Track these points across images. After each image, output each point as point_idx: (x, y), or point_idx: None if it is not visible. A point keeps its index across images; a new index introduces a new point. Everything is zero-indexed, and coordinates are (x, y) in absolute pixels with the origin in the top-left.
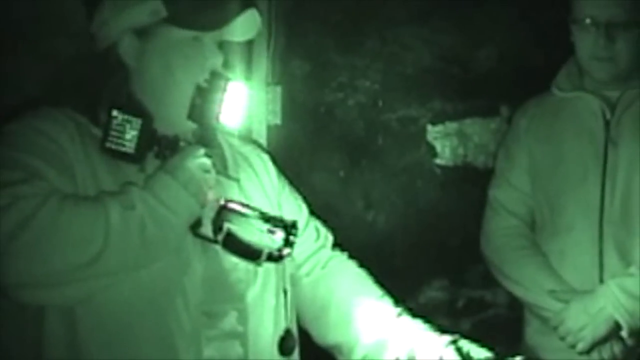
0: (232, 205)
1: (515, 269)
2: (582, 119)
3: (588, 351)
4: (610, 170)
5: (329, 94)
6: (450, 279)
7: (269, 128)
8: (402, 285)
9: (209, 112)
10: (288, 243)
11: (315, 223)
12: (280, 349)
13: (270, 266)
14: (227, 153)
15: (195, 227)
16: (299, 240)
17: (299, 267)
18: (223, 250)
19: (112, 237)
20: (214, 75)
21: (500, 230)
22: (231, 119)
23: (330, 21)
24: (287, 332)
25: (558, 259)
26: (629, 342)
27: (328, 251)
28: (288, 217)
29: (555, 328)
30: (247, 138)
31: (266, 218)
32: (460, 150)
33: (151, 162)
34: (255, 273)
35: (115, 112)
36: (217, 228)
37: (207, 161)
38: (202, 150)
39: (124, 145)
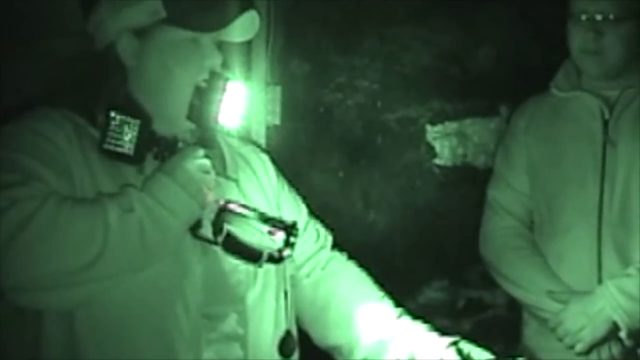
0: (231, 207)
1: (513, 269)
2: (581, 119)
3: (587, 352)
4: (608, 170)
5: (328, 94)
6: (449, 279)
7: (268, 128)
8: (401, 285)
9: (208, 112)
10: (288, 244)
11: (315, 223)
12: (280, 351)
13: (270, 268)
14: (226, 153)
15: (194, 228)
16: (299, 241)
17: (298, 268)
18: (223, 252)
19: (111, 240)
20: (213, 75)
21: (499, 230)
22: (230, 119)
23: (329, 21)
24: (287, 333)
25: (556, 259)
26: (628, 343)
27: (328, 252)
28: (287, 217)
29: (553, 329)
30: (246, 138)
31: (266, 219)
32: (460, 150)
33: (150, 164)
34: (256, 275)
35: (113, 113)
36: (217, 229)
37: (206, 162)
38: (201, 151)
39: (122, 147)
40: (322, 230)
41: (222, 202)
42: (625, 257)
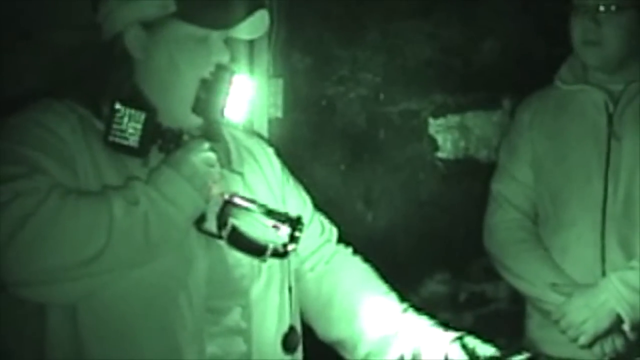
0: (236, 200)
1: (517, 262)
2: (585, 113)
3: (590, 345)
4: (613, 164)
5: (330, 87)
6: (451, 272)
7: (270, 121)
8: (403, 279)
9: (213, 105)
10: (293, 239)
11: (320, 217)
12: (284, 346)
13: (274, 262)
14: (232, 146)
15: (199, 222)
16: (303, 235)
17: (302, 262)
18: (227, 246)
19: (115, 233)
20: (219, 68)
21: (503, 223)
22: (235, 112)
23: (331, 14)
24: (291, 328)
25: (560, 253)
26: (631, 335)
27: (332, 246)
28: (292, 211)
29: (556, 322)
30: (251, 131)
31: (271, 213)
32: (462, 144)
33: (155, 156)
34: (260, 269)
35: (118, 105)
36: (222, 223)
37: (211, 155)
38: (206, 144)
39: (127, 139)
40: (327, 224)
41: (227, 196)
42: (629, 250)
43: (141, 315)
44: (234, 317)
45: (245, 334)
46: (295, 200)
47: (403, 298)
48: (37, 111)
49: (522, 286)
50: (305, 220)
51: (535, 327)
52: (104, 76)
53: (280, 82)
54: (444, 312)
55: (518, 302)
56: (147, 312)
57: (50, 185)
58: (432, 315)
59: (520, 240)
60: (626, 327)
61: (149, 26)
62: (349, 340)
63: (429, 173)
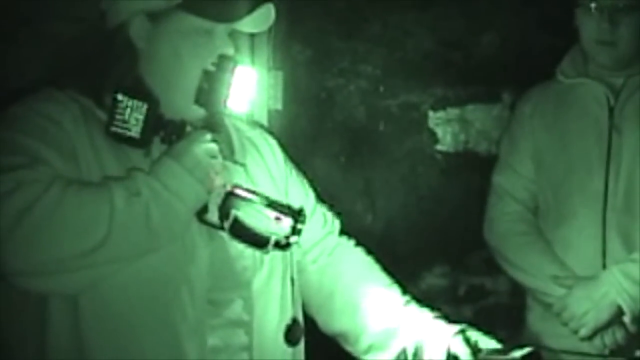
0: (239, 192)
1: (518, 254)
2: (586, 106)
3: (590, 337)
4: (614, 157)
5: (330, 80)
6: (451, 265)
7: (270, 113)
8: (402, 271)
9: (216, 96)
10: (295, 230)
11: (323, 209)
12: (286, 338)
13: (276, 254)
14: (234, 137)
15: (201, 213)
16: (306, 227)
17: (304, 253)
18: (229, 237)
19: (117, 224)
20: (222, 59)
21: (504, 216)
22: (238, 103)
23: (331, 6)
24: (294, 321)
25: (561, 245)
26: (631, 328)
27: (335, 238)
28: (295, 202)
29: (558, 313)
30: (255, 122)
31: (273, 205)
32: (462, 137)
33: (157, 147)
34: (262, 261)
35: (120, 96)
36: (224, 215)
37: (213, 146)
38: (208, 135)
39: (129, 130)
40: (330, 216)
41: (229, 187)
42: (630, 243)
43: (142, 307)
44: (236, 309)
45: (246, 326)
46: (298, 191)
47: (405, 290)
48: (39, 101)
49: (523, 278)
50: (307, 212)
51: (536, 320)
52: (107, 66)
53: (280, 74)
54: (443, 305)
55: (517, 295)
56: (148, 304)
57: (51, 176)
58: (436, 309)
59: (521, 233)
60: (627, 319)
61: (154, 17)
62: (351, 332)
63: (428, 166)
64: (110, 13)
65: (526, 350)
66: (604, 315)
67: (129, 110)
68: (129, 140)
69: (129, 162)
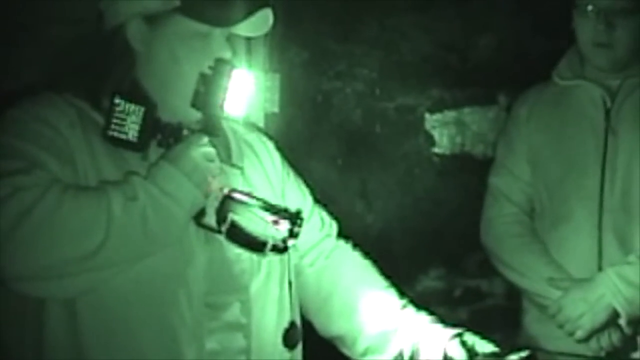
0: (236, 195)
1: (514, 256)
2: (583, 108)
3: (586, 339)
4: (610, 159)
5: (326, 82)
6: (446, 267)
7: (267, 116)
8: (398, 274)
9: (213, 99)
10: (293, 234)
11: (320, 211)
12: (284, 341)
13: (274, 257)
14: (232, 141)
15: (198, 217)
16: (303, 230)
17: (302, 256)
18: (227, 241)
19: (114, 228)
20: (219, 62)
21: (500, 218)
22: (235, 106)
23: (328, 9)
24: (292, 324)
25: (557, 247)
26: (627, 330)
27: (332, 240)
28: (292, 205)
29: (553, 316)
30: (252, 125)
31: (270, 208)
32: (458, 139)
33: (154, 151)
34: (259, 264)
35: (117, 99)
36: (221, 218)
37: (211, 150)
38: (205, 139)
39: (126, 133)
40: (327, 219)
41: (226, 191)
42: (626, 245)
43: (140, 311)
44: (234, 312)
45: (244, 329)
46: (295, 194)
47: (402, 293)
48: (36, 105)
49: (519, 281)
50: (305, 214)
51: (532, 322)
52: (104, 69)
53: (277, 77)
54: (439, 308)
55: (513, 297)
56: (145, 308)
57: (48, 181)
58: (433, 312)
59: (517, 235)
60: (622, 321)
61: (152, 19)
62: (348, 335)
63: (425, 168)
64: (107, 14)
65: (523, 353)
66: (600, 317)
67: (126, 114)
68: (126, 144)
69: (126, 165)
